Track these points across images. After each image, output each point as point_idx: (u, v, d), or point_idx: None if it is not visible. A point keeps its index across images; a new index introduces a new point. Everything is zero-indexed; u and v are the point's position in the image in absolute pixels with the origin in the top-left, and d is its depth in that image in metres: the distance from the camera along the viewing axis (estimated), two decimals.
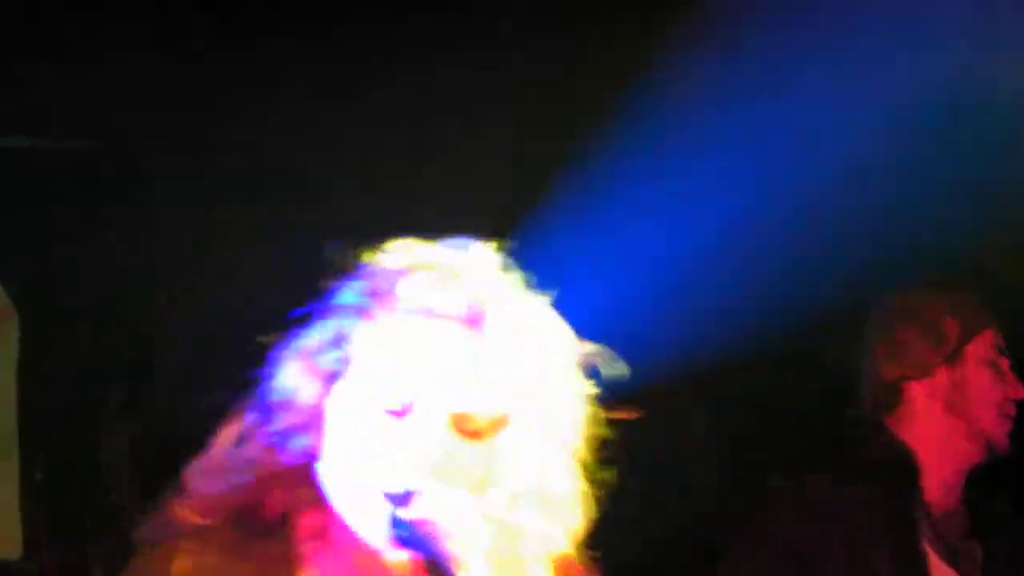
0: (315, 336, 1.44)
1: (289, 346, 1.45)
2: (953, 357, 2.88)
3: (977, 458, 2.89)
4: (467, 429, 1.37)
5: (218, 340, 3.12)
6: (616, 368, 1.45)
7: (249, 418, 1.45)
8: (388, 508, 1.33)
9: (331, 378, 1.42)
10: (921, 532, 2.88)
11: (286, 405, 1.42)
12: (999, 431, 2.89)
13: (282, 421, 1.43)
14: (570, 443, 1.45)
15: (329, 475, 1.39)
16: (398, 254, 1.45)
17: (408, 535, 1.33)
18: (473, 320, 1.38)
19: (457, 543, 1.35)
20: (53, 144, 3.54)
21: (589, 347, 1.47)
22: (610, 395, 1.47)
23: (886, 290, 3.25)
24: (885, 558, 2.82)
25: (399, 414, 1.36)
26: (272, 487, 1.44)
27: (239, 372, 1.46)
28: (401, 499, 1.33)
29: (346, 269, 1.45)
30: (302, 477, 1.43)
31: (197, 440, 1.45)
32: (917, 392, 2.88)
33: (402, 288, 1.39)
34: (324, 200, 3.32)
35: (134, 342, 3.50)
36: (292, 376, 1.43)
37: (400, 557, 1.37)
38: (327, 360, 1.42)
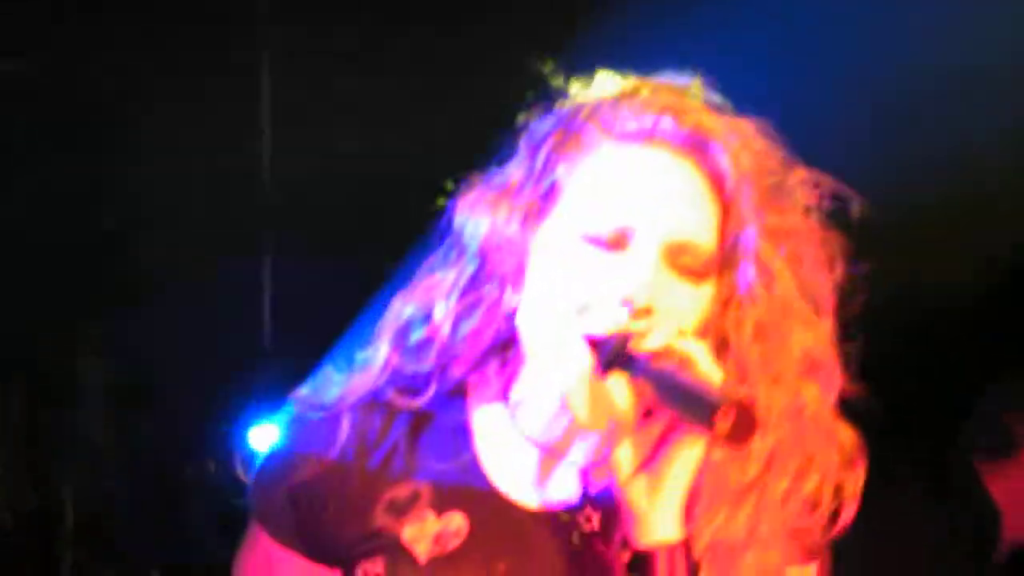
0: (515, 171, 1.39)
1: (485, 186, 1.39)
2: None
3: None
4: (683, 264, 1.30)
5: None
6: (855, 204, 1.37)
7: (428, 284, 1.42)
8: (589, 355, 1.28)
9: (536, 216, 1.36)
10: None
11: (484, 253, 1.38)
12: None
13: (477, 273, 1.39)
14: (811, 291, 1.37)
15: (529, 324, 1.35)
16: (607, 82, 1.39)
17: (622, 362, 1.26)
18: (695, 145, 1.32)
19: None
20: None
21: (823, 178, 1.38)
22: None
23: None
24: None
25: (612, 246, 1.30)
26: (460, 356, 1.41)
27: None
28: (603, 348, 1.28)
29: (549, 97, 1.39)
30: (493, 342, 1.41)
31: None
32: None
33: (617, 111, 1.34)
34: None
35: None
36: (490, 219, 1.37)
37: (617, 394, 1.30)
38: (531, 196, 1.36)
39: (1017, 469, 3.00)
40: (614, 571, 1.40)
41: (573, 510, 1.43)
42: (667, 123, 1.34)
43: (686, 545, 1.29)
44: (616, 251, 1.32)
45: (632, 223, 1.31)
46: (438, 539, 1.40)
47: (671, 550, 1.29)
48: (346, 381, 1.47)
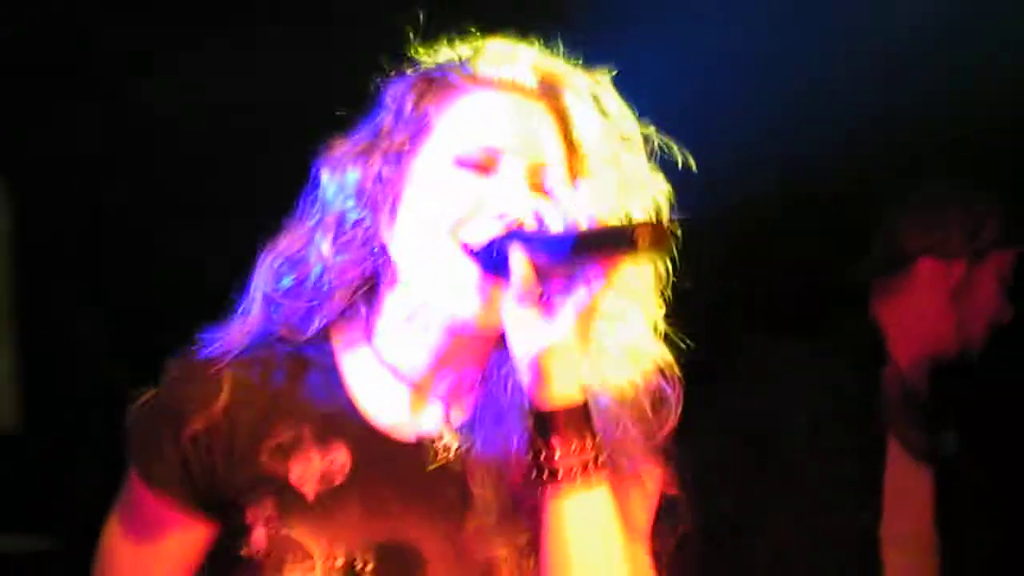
0: (384, 118, 1.48)
1: (353, 139, 1.49)
2: (980, 255, 2.97)
3: (950, 353, 3.02)
4: (542, 183, 1.41)
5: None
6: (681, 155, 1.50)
7: (313, 211, 1.50)
8: (471, 264, 1.38)
9: (408, 154, 1.46)
10: (883, 419, 3.00)
11: (357, 195, 1.46)
12: (980, 338, 3.02)
13: (345, 216, 1.47)
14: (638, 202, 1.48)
15: (407, 248, 1.43)
16: (462, 46, 1.50)
17: (497, 261, 1.36)
18: (546, 92, 1.46)
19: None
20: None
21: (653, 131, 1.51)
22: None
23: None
24: (843, 442, 2.93)
25: (483, 169, 1.41)
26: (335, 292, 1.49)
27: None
28: (486, 250, 1.38)
29: (406, 60, 1.50)
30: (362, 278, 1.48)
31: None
32: (930, 269, 2.97)
33: (477, 63, 1.45)
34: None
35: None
36: (360, 166, 1.46)
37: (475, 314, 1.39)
38: (402, 136, 1.45)
39: (907, 284, 3.04)
40: (475, 494, 1.48)
41: (440, 438, 1.50)
42: (521, 71, 1.46)
43: (585, 406, 1.36)
44: (486, 174, 1.41)
45: (499, 146, 1.41)
46: (323, 476, 1.45)
47: (570, 411, 1.36)
48: (226, 335, 1.51)
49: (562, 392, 1.32)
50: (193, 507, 1.48)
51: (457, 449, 1.48)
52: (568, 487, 1.34)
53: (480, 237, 1.37)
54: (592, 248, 1.30)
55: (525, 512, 1.45)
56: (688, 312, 1.59)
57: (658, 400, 1.50)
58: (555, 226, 1.33)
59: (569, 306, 1.32)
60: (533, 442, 1.36)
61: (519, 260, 1.32)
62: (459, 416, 1.49)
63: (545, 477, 1.35)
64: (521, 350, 1.34)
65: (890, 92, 3.34)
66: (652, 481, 1.52)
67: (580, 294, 1.31)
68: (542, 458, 1.35)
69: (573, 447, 1.34)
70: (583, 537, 1.39)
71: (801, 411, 2.91)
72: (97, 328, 3.63)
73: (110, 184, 3.43)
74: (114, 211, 3.44)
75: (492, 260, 1.36)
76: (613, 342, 1.45)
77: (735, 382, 3.02)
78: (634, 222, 1.36)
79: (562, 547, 1.39)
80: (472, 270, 1.38)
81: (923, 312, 2.99)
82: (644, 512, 1.53)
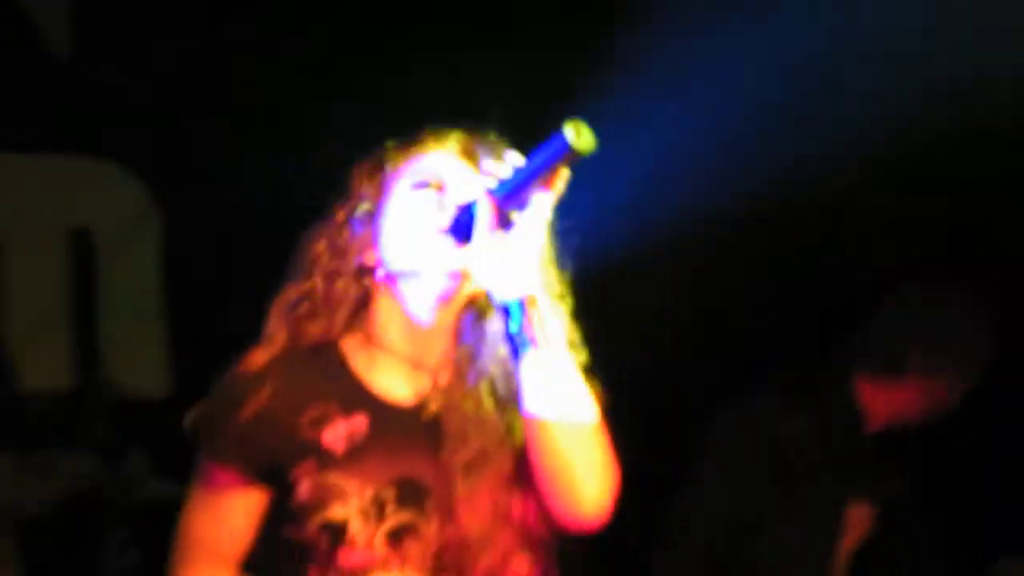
0: (361, 187, 1.95)
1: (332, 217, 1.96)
2: (967, 379, 3.25)
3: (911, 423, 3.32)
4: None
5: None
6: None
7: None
8: (446, 240, 1.77)
9: (382, 201, 1.91)
10: (847, 473, 3.30)
11: (343, 246, 1.91)
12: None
13: (336, 255, 1.91)
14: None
15: (396, 251, 1.85)
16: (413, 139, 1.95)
17: (464, 228, 1.72)
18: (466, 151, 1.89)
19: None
20: None
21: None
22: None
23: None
24: (820, 493, 3.25)
25: (437, 188, 1.83)
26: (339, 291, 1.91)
27: None
28: (454, 223, 1.77)
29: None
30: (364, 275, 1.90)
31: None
32: (924, 385, 3.22)
33: (418, 154, 1.91)
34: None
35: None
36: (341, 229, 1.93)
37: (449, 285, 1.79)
38: (375, 192, 1.93)
39: (898, 388, 3.28)
40: (453, 435, 1.87)
41: (431, 398, 1.90)
42: (450, 143, 1.92)
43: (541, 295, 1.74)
44: (439, 191, 1.85)
45: (445, 177, 1.86)
46: (349, 437, 1.86)
47: (533, 297, 1.72)
48: (262, 348, 1.95)
49: (528, 282, 1.70)
50: (251, 475, 1.89)
51: (443, 403, 1.89)
52: (543, 351, 1.70)
53: (445, 221, 1.79)
54: (536, 170, 1.64)
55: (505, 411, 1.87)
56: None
57: None
58: (502, 174, 1.73)
59: (528, 218, 1.70)
60: (511, 326, 1.72)
61: (483, 203, 1.70)
62: (444, 378, 1.90)
63: (523, 350, 1.71)
64: (495, 262, 1.71)
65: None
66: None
67: (535, 208, 1.70)
68: (520, 334, 1.71)
69: (539, 319, 1.71)
70: (560, 392, 1.75)
71: (779, 463, 3.23)
72: (237, 313, 4.33)
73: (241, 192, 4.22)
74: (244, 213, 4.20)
75: (460, 227, 1.73)
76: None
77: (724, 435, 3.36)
78: (566, 134, 1.63)
79: (544, 404, 1.74)
80: (448, 244, 1.78)
81: (904, 405, 3.29)
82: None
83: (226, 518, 1.99)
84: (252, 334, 1.98)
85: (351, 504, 1.87)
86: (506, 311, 1.74)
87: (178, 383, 4.39)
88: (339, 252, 1.95)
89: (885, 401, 3.26)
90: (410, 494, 1.89)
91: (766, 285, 3.98)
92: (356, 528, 1.88)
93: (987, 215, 3.91)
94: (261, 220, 4.33)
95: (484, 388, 1.89)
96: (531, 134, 1.83)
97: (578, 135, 1.59)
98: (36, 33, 4.45)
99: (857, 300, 3.45)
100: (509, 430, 1.88)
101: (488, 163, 1.86)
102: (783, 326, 3.84)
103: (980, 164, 3.73)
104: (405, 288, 1.86)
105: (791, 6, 3.58)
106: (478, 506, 1.91)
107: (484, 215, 1.73)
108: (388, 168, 1.99)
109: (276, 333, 1.95)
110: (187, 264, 4.42)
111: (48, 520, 4.24)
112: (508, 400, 1.88)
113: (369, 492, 1.86)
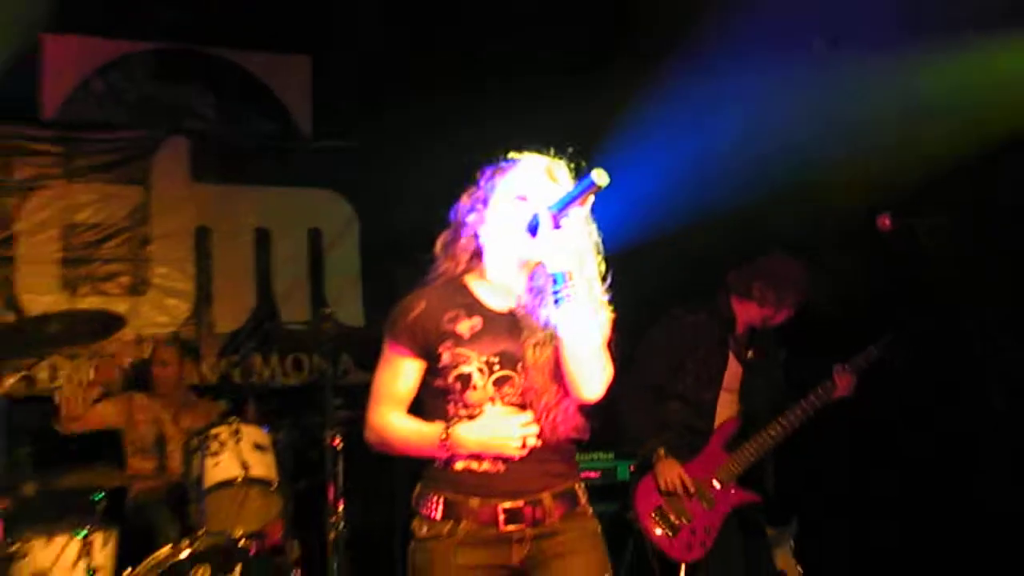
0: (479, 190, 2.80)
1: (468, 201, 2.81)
2: (780, 308, 4.69)
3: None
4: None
5: None
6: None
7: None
8: (524, 237, 2.61)
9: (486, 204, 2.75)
10: (728, 346, 4.79)
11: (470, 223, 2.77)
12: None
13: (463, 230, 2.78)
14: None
15: (493, 235, 2.70)
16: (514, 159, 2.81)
17: (537, 226, 2.57)
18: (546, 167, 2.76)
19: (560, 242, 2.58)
20: None
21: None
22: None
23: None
24: (713, 355, 4.74)
25: (522, 198, 2.68)
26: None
27: None
28: (532, 226, 2.61)
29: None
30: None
31: None
32: (758, 303, 4.69)
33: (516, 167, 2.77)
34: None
35: None
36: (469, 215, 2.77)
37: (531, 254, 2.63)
38: (484, 196, 2.76)
39: (748, 305, 4.70)
40: (528, 327, 2.65)
41: (516, 309, 2.70)
42: (534, 159, 2.74)
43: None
44: (522, 200, 2.65)
45: (526, 190, 2.66)
46: (471, 328, 2.66)
47: (568, 274, 2.57)
48: (421, 283, 2.77)
49: (568, 261, 2.58)
50: (414, 351, 2.72)
51: (521, 314, 2.73)
52: (572, 304, 2.57)
53: (524, 221, 2.63)
54: (575, 196, 2.55)
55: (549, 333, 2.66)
56: None
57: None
58: (559, 196, 2.59)
59: (570, 224, 2.59)
60: (555, 286, 2.57)
61: (545, 214, 2.57)
62: (523, 298, 2.74)
63: (560, 302, 2.57)
64: (554, 247, 2.56)
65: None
66: (605, 316, 2.74)
67: (574, 218, 2.61)
68: (559, 292, 2.57)
69: (573, 284, 2.58)
70: (576, 326, 2.59)
71: (693, 342, 4.74)
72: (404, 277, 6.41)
73: None
74: None
75: (532, 226, 2.59)
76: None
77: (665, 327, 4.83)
78: (592, 176, 2.51)
79: (565, 332, 2.59)
80: (525, 235, 2.63)
81: (751, 315, 4.74)
82: (605, 330, 2.73)
83: (398, 376, 2.79)
84: (405, 291, 2.81)
85: (473, 364, 2.65)
86: (554, 279, 2.59)
87: (367, 317, 6.82)
88: (461, 228, 2.80)
89: (742, 311, 4.82)
90: (506, 360, 2.67)
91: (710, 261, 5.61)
92: (476, 378, 2.65)
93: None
94: (414, 222, 5.73)
95: (541, 310, 2.69)
96: (576, 163, 2.76)
97: (599, 176, 2.49)
98: (284, 112, 6.93)
99: (737, 261, 4.92)
100: (553, 335, 2.65)
101: (550, 180, 2.71)
102: (706, 273, 5.28)
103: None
104: (501, 254, 2.74)
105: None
106: (540, 369, 2.69)
107: (545, 220, 2.58)
108: (492, 179, 2.80)
109: (429, 274, 2.82)
110: (373, 251, 6.94)
111: (296, 390, 6.54)
112: (548, 311, 2.67)
113: (483, 358, 2.65)
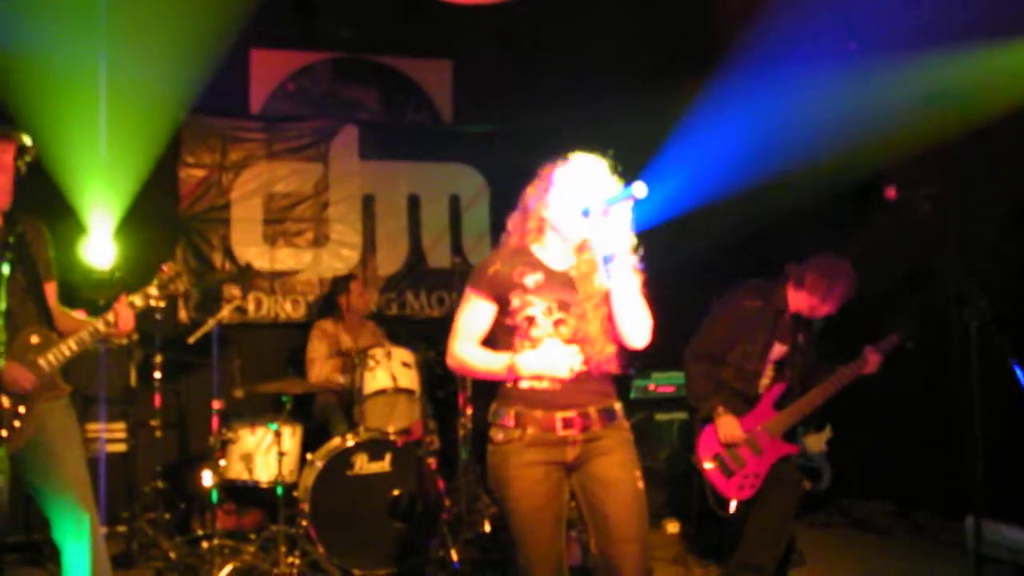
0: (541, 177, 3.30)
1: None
2: (827, 300, 5.02)
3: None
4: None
5: None
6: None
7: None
8: (582, 217, 3.06)
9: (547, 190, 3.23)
10: (776, 329, 5.10)
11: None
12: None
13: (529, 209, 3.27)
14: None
15: (559, 213, 3.14)
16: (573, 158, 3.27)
17: (593, 217, 3.00)
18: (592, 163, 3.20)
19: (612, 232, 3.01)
20: None
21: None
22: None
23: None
24: (763, 336, 5.07)
25: (578, 191, 3.16)
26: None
27: None
28: (585, 212, 3.06)
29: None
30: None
31: None
32: (809, 292, 5.02)
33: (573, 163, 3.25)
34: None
35: None
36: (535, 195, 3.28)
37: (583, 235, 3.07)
38: (546, 183, 3.26)
39: (800, 294, 4.98)
40: (582, 284, 3.11)
41: (572, 268, 3.15)
42: (587, 157, 3.17)
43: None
44: (579, 189, 3.08)
45: (582, 182, 3.09)
46: (535, 282, 3.10)
47: (618, 254, 3.01)
48: (496, 250, 3.24)
49: (614, 242, 3.03)
50: (490, 297, 3.18)
51: (577, 273, 3.19)
52: (622, 271, 3.03)
53: (582, 208, 3.07)
54: (621, 198, 2.99)
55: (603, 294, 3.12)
56: None
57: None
58: (610, 195, 3.01)
59: (617, 215, 3.01)
60: (607, 260, 3.02)
61: (597, 204, 2.99)
62: (577, 260, 3.20)
63: (612, 271, 3.00)
64: (603, 231, 3.02)
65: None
66: (638, 281, 3.14)
67: (620, 213, 3.03)
68: (610, 263, 3.02)
69: (619, 263, 3.02)
70: (626, 293, 3.05)
71: (754, 317, 5.14)
72: None
73: None
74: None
75: (586, 213, 3.05)
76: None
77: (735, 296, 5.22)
78: (633, 186, 2.92)
79: (617, 298, 3.04)
80: (581, 219, 3.08)
81: (801, 304, 5.08)
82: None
83: (476, 316, 3.24)
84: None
85: (537, 308, 3.11)
86: (605, 258, 3.03)
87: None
88: (528, 210, 3.24)
89: (794, 299, 5.07)
90: (563, 306, 3.14)
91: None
92: (540, 319, 3.10)
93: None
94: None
95: (594, 272, 3.15)
96: (626, 161, 3.14)
97: (639, 189, 2.91)
98: (431, 103, 7.80)
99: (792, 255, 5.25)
100: (605, 297, 3.10)
101: (599, 177, 3.11)
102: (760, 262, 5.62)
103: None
104: (560, 230, 3.18)
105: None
106: (592, 317, 3.13)
107: (597, 210, 3.00)
108: (553, 172, 3.20)
109: (502, 242, 3.27)
110: (500, 211, 6.78)
111: (439, 320, 7.36)
112: (601, 280, 3.12)
113: (545, 303, 3.11)
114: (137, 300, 4.08)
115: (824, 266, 5.01)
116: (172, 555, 5.69)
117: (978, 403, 4.21)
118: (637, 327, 3.07)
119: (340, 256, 7.66)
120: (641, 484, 3.16)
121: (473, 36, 7.22)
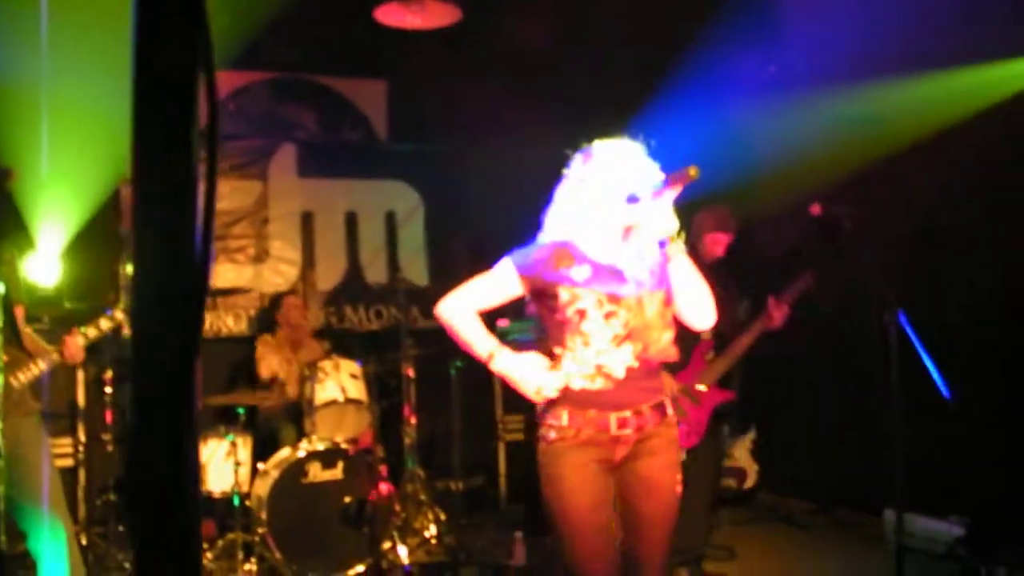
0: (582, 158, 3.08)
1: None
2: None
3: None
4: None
5: None
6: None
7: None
8: (624, 205, 2.90)
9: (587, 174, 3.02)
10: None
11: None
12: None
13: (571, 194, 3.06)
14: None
15: (596, 202, 2.96)
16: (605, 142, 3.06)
17: (639, 199, 2.85)
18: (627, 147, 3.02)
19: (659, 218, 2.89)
20: None
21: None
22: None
23: None
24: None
25: (621, 177, 2.95)
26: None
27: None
28: (632, 197, 2.88)
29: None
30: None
31: None
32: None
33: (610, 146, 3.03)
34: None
35: None
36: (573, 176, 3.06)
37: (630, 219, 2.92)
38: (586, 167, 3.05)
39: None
40: (631, 274, 2.95)
41: (620, 262, 2.96)
42: (617, 141, 2.98)
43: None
44: (624, 175, 2.90)
45: (623, 167, 2.91)
46: (583, 275, 2.95)
47: (672, 238, 2.92)
48: (538, 241, 3.04)
49: (669, 227, 2.91)
50: (524, 278, 3.05)
51: (626, 262, 3.01)
52: (680, 254, 2.94)
53: (628, 193, 2.91)
54: (671, 180, 2.83)
55: (655, 278, 2.99)
56: None
57: None
58: (658, 177, 2.86)
59: (667, 197, 2.88)
60: (662, 244, 2.92)
61: (646, 188, 2.83)
62: (626, 248, 3.01)
63: (670, 254, 2.92)
64: (656, 215, 2.87)
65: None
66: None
67: (669, 194, 2.87)
68: (666, 247, 2.91)
69: (676, 241, 2.92)
70: (687, 273, 2.96)
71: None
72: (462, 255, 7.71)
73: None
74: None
75: (632, 197, 2.90)
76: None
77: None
78: (686, 168, 2.75)
79: (679, 279, 2.95)
80: (628, 205, 2.90)
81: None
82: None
83: (495, 287, 3.12)
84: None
85: (587, 300, 2.97)
86: (662, 242, 2.95)
87: (430, 277, 7.88)
88: (563, 203, 3.07)
89: (711, 243, 5.26)
90: (614, 298, 2.98)
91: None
92: (591, 311, 2.96)
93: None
94: (465, 205, 7.64)
95: (643, 259, 3.00)
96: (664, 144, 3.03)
97: (694, 170, 2.78)
98: (366, 122, 7.87)
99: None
100: (660, 276, 2.98)
101: (636, 162, 2.95)
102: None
103: None
104: (604, 219, 2.97)
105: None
106: (647, 305, 2.99)
107: (647, 193, 2.87)
108: (586, 162, 3.02)
109: (541, 236, 3.11)
110: (434, 227, 8.03)
111: (377, 333, 7.56)
112: (656, 264, 2.99)
113: (594, 296, 2.97)
114: (89, 332, 4.43)
115: (710, 209, 5.24)
116: (127, 566, 5.67)
117: (897, 399, 4.37)
118: (701, 307, 3.03)
119: (280, 272, 7.68)
120: (680, 488, 3.12)
121: (408, 57, 7.29)
